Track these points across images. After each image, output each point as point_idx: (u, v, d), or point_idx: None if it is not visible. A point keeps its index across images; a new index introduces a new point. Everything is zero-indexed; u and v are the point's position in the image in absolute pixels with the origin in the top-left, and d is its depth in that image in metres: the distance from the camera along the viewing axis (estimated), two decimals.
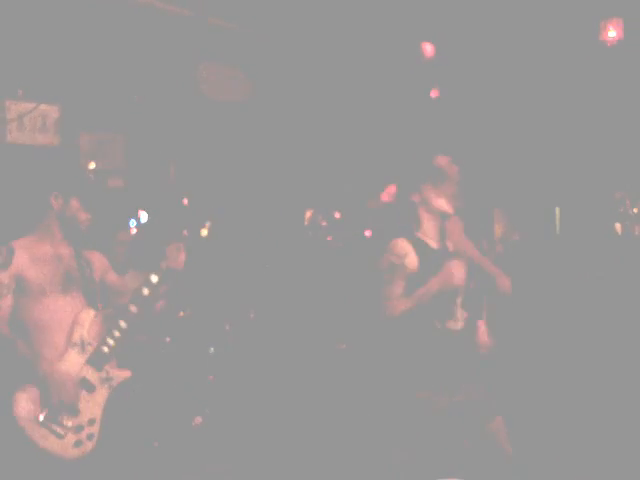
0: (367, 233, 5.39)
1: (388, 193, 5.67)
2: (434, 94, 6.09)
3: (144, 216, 4.78)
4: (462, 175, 3.22)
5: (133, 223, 4.81)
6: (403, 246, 3.18)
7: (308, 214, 5.62)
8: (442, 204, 3.24)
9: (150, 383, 4.30)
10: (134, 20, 4.68)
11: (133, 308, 2.93)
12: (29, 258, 2.83)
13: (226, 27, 5.20)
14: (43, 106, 4.45)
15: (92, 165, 3.09)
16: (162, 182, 5.17)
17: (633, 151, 5.22)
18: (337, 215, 5.27)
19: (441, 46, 5.85)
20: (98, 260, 3.11)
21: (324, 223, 5.21)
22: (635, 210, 4.29)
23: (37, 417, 2.69)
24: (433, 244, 3.29)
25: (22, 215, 3.47)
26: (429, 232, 3.30)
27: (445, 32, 5.74)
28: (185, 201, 3.22)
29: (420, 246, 3.23)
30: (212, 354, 4.84)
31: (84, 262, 3.00)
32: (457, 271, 3.09)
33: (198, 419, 4.61)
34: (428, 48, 5.78)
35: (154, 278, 2.95)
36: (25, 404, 2.70)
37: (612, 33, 5.31)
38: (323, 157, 5.83)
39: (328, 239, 5.26)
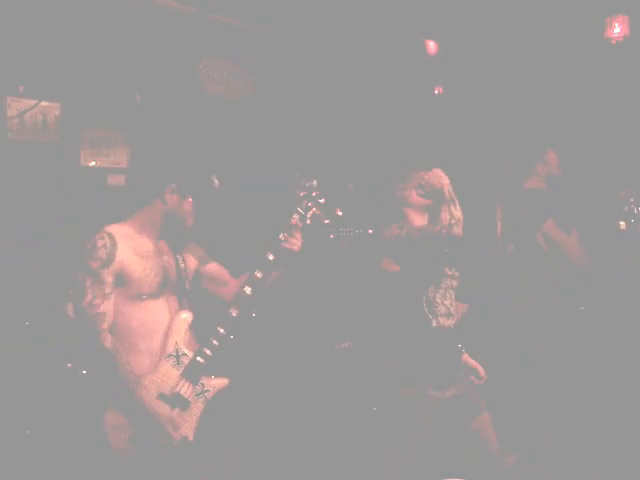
0: (369, 231, 5.36)
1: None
2: (438, 91, 6.06)
3: None
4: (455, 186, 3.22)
5: None
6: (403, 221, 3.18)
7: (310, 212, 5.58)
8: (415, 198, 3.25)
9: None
10: (135, 16, 4.66)
11: (234, 312, 2.67)
12: (133, 252, 2.53)
13: (228, 23, 5.17)
14: (44, 103, 4.43)
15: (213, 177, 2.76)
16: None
17: (638, 149, 5.19)
18: (339, 213, 5.23)
19: (444, 43, 5.82)
20: (194, 252, 2.84)
21: (326, 221, 5.17)
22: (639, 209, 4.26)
23: (131, 436, 2.45)
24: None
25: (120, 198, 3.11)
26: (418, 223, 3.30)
27: (449, 29, 5.71)
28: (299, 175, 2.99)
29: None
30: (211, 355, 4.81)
31: (182, 260, 2.74)
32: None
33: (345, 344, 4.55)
34: (431, 45, 5.75)
35: (259, 274, 2.71)
36: (117, 422, 2.44)
37: (617, 30, 5.28)
38: (326, 154, 5.80)
39: (330, 237, 5.23)
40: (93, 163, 4.65)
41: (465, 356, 3.36)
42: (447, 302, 3.19)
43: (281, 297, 5.16)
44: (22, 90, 4.37)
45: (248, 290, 2.69)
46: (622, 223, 4.40)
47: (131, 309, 2.54)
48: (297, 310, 5.16)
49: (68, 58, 4.44)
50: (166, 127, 4.96)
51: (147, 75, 4.83)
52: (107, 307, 2.44)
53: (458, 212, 3.10)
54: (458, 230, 3.09)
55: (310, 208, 2.78)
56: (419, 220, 3.30)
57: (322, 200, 2.87)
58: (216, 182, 2.79)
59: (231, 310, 2.67)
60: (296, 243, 2.80)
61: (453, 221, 3.07)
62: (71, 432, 2.85)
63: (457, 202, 3.11)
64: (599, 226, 4.62)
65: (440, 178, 3.16)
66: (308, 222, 2.79)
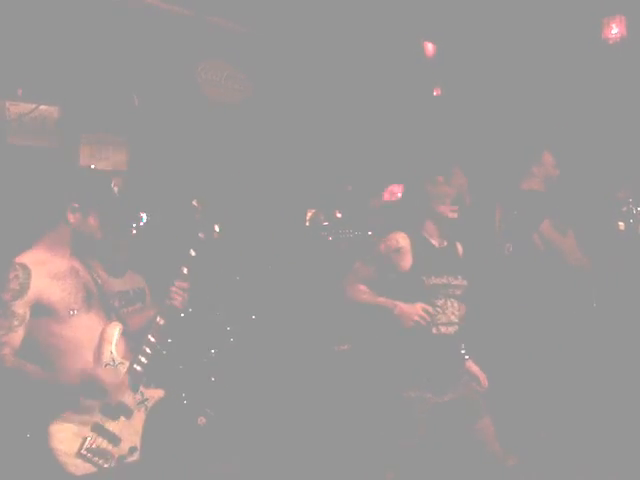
0: (369, 233, 5.37)
1: (390, 192, 5.66)
2: (436, 93, 6.07)
3: (144, 218, 4.76)
4: (465, 180, 3.21)
5: (134, 224, 4.79)
6: (400, 241, 3.16)
7: (309, 214, 5.60)
8: (443, 209, 3.23)
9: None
10: (134, 20, 4.68)
11: (161, 321, 2.70)
12: (48, 276, 2.51)
13: (226, 27, 5.19)
14: (43, 107, 4.44)
15: (115, 180, 2.74)
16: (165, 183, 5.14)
17: (636, 150, 5.19)
18: (338, 215, 5.25)
19: (443, 45, 5.83)
20: (100, 270, 2.86)
21: (325, 223, 5.18)
22: (639, 209, 4.26)
23: (78, 451, 2.44)
24: (435, 242, 3.28)
25: (23, 222, 3.23)
26: (432, 232, 3.29)
27: (447, 31, 5.72)
28: (195, 202, 2.95)
29: (421, 243, 3.22)
30: (213, 355, 4.82)
31: (96, 274, 2.75)
32: (410, 314, 3.06)
33: (202, 419, 4.59)
34: (429, 47, 5.76)
35: (174, 288, 2.74)
36: (63, 436, 2.43)
37: (615, 31, 5.28)
38: (324, 157, 5.81)
39: (329, 239, 5.24)
40: (92, 166, 4.66)
41: (469, 363, 3.35)
42: (448, 311, 3.16)
43: (280, 299, 5.18)
44: (21, 94, 4.38)
45: (168, 302, 2.74)
46: (621, 223, 4.40)
47: (65, 328, 2.55)
48: (300, 311, 5.16)
49: (67, 62, 4.45)
50: (164, 129, 4.98)
51: (146, 78, 4.84)
52: (12, 339, 2.46)
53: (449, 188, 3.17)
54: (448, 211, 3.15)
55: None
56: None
57: (216, 227, 2.92)
58: (115, 192, 2.80)
59: (158, 319, 2.71)
60: (183, 302, 2.78)
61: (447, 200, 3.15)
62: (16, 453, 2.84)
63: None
64: (598, 227, 4.62)
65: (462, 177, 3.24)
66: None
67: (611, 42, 5.32)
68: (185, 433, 4.32)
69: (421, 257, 3.16)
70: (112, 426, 2.55)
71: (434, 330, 3.11)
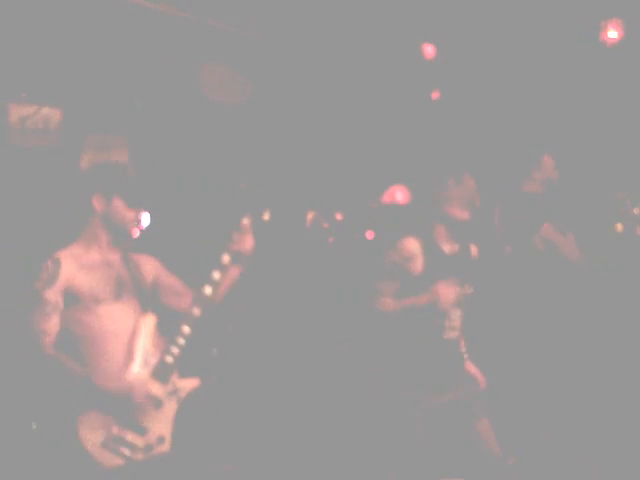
0: (369, 235, 5.39)
1: (391, 195, 5.68)
2: (435, 95, 6.09)
3: (147, 218, 4.76)
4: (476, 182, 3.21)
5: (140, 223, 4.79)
6: (411, 248, 3.15)
7: (310, 216, 5.62)
8: (455, 211, 3.23)
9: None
10: (135, 23, 4.69)
11: (196, 311, 2.72)
12: (77, 267, 2.63)
13: (227, 29, 5.20)
14: (45, 109, 4.45)
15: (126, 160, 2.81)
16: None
17: (634, 151, 5.22)
18: (339, 217, 5.27)
19: (442, 47, 5.86)
20: (148, 262, 2.91)
21: (326, 225, 5.20)
22: (636, 210, 4.28)
23: (104, 441, 2.50)
24: (446, 247, 3.28)
25: (62, 222, 3.32)
26: (442, 236, 3.28)
27: (445, 33, 5.74)
28: (242, 185, 3.02)
29: (431, 248, 3.22)
30: (214, 355, 4.83)
31: (133, 266, 2.80)
32: (444, 294, 3.06)
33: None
34: (429, 49, 5.78)
35: (216, 275, 2.77)
36: (90, 428, 2.49)
37: (612, 33, 5.31)
38: (324, 159, 5.83)
39: (330, 241, 5.26)
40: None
41: (468, 363, 3.37)
42: (454, 316, 3.21)
43: (280, 299, 5.20)
44: (23, 96, 4.39)
45: (207, 290, 2.76)
46: (619, 225, 4.43)
47: (91, 318, 2.62)
48: (300, 312, 5.18)
49: (69, 64, 4.46)
50: (166, 131, 4.99)
51: (147, 80, 4.85)
52: (48, 325, 2.56)
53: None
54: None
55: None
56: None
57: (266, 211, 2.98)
58: (129, 171, 2.89)
59: (194, 309, 2.73)
60: (247, 244, 2.88)
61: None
62: (45, 436, 2.90)
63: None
64: (596, 228, 4.65)
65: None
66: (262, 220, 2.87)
67: (609, 45, 5.35)
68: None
69: (431, 263, 3.16)
70: (139, 417, 2.59)
71: (444, 335, 3.15)
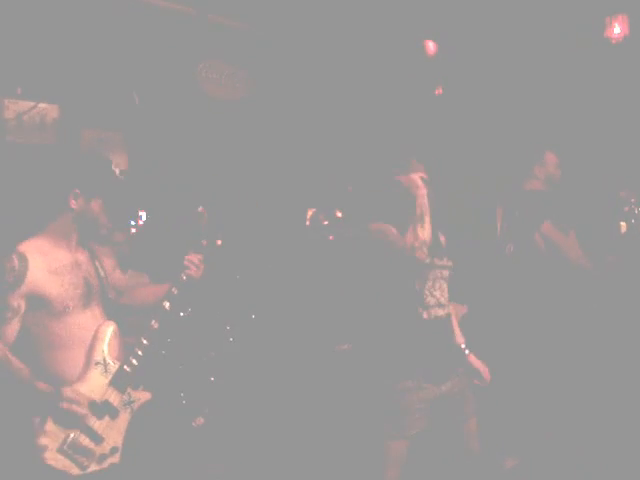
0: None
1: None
2: (438, 92, 6.06)
3: (144, 216, 4.74)
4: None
5: (133, 223, 4.77)
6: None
7: (309, 213, 5.59)
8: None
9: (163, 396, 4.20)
10: (134, 18, 4.67)
11: (155, 324, 2.68)
12: (47, 270, 2.49)
13: (227, 25, 5.18)
14: (42, 105, 4.43)
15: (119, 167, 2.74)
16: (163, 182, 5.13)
17: (638, 149, 5.18)
18: (338, 214, 5.24)
19: (444, 44, 5.82)
20: (107, 259, 2.85)
21: (326, 222, 5.17)
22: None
23: (60, 447, 2.43)
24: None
25: (27, 212, 3.20)
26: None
27: (448, 29, 5.70)
28: (201, 209, 2.94)
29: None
30: (212, 355, 4.81)
31: (100, 266, 2.72)
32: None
33: (199, 420, 4.58)
34: (431, 46, 5.74)
35: (175, 290, 2.73)
36: (46, 434, 2.42)
37: (617, 30, 5.26)
38: (325, 155, 5.80)
39: (330, 238, 5.22)
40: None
41: (471, 357, 3.30)
42: (437, 293, 3.09)
43: (280, 299, 5.17)
44: (20, 92, 4.38)
45: (167, 305, 2.73)
46: (623, 224, 4.38)
47: (58, 325, 2.53)
48: (300, 310, 5.15)
49: (66, 60, 4.44)
50: (164, 128, 4.97)
51: (146, 76, 4.83)
52: (3, 331, 2.45)
53: (424, 233, 2.93)
54: (421, 254, 2.94)
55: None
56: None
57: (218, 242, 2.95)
58: (117, 175, 2.79)
59: (152, 322, 2.69)
60: (198, 272, 2.80)
61: (417, 244, 2.97)
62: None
63: (427, 220, 2.96)
64: (600, 226, 4.61)
65: (416, 186, 3.08)
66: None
67: (614, 41, 5.30)
68: (175, 435, 4.31)
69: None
70: (96, 424, 2.54)
71: (425, 315, 3.05)
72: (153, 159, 5.08)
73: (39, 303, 2.49)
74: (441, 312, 3.11)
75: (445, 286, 3.16)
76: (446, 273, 3.17)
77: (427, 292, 3.07)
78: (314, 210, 5.56)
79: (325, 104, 5.76)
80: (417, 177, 3.08)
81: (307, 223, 5.53)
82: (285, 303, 5.20)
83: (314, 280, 5.22)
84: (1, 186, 4.28)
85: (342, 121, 5.83)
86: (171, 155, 5.16)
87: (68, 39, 4.42)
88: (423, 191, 3.00)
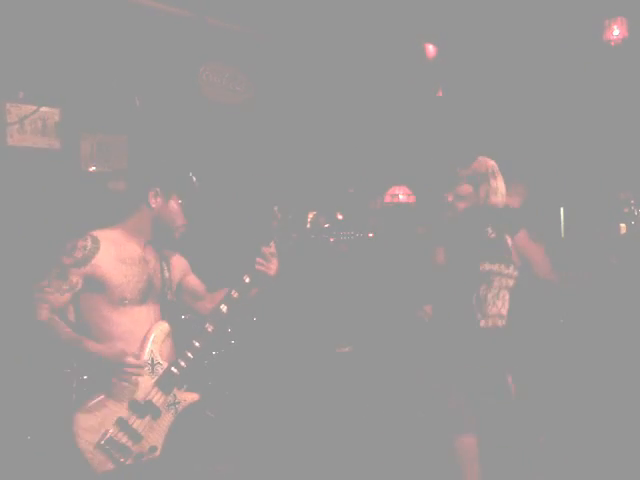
0: (370, 234, 5.37)
1: (391, 195, 5.65)
2: (439, 95, 6.07)
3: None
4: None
5: None
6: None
7: (310, 216, 5.59)
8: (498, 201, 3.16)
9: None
10: (135, 22, 4.68)
11: (210, 327, 2.67)
12: (115, 257, 2.55)
13: (228, 28, 5.19)
14: (44, 109, 4.44)
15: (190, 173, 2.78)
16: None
17: (638, 151, 5.19)
18: (339, 217, 5.24)
19: (444, 47, 5.83)
20: (178, 262, 2.84)
21: (326, 225, 5.17)
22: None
23: (99, 442, 2.45)
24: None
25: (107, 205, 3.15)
26: None
27: (448, 32, 5.72)
28: (276, 208, 2.97)
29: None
30: (215, 356, 4.82)
31: (167, 268, 2.74)
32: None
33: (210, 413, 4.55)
34: (431, 49, 5.76)
35: (235, 293, 2.71)
36: (87, 424, 2.44)
37: (616, 32, 5.28)
38: (326, 158, 5.81)
39: (330, 241, 5.23)
40: (93, 168, 4.66)
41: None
42: (499, 302, 3.05)
43: (281, 300, 5.18)
44: (22, 96, 4.39)
45: (224, 308, 2.71)
46: (622, 225, 4.39)
47: (113, 314, 2.56)
48: (301, 312, 5.16)
49: (68, 64, 4.45)
50: (166, 131, 4.98)
51: (147, 80, 4.84)
52: (56, 299, 2.50)
53: (497, 182, 3.05)
54: (495, 199, 3.03)
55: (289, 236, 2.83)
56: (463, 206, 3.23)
57: (294, 235, 2.95)
58: (194, 179, 2.79)
59: (207, 325, 2.68)
60: (271, 267, 2.80)
61: (491, 190, 3.03)
62: (40, 432, 2.87)
63: (499, 175, 3.09)
64: (600, 229, 4.61)
65: (486, 162, 3.14)
66: (289, 244, 2.85)
67: (613, 44, 5.32)
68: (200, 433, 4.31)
69: (475, 242, 3.09)
70: (136, 423, 2.55)
71: (482, 323, 3.00)
72: (154, 162, 5.09)
73: (99, 287, 2.53)
74: (500, 322, 3.06)
75: (507, 297, 3.12)
76: (511, 283, 3.14)
77: (490, 300, 3.03)
78: (315, 213, 5.56)
79: (326, 107, 5.77)
80: (483, 157, 3.21)
81: (308, 226, 5.53)
82: (286, 305, 5.21)
83: (316, 282, 5.23)
84: (3, 189, 4.29)
85: (343, 124, 5.84)
86: (171, 158, 5.17)
87: (69, 43, 4.44)
88: (492, 162, 3.20)
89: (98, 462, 2.46)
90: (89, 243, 2.52)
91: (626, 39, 5.26)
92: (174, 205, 2.65)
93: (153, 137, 4.91)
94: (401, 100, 6.02)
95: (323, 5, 5.19)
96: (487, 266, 3.08)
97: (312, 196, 5.74)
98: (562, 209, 5.53)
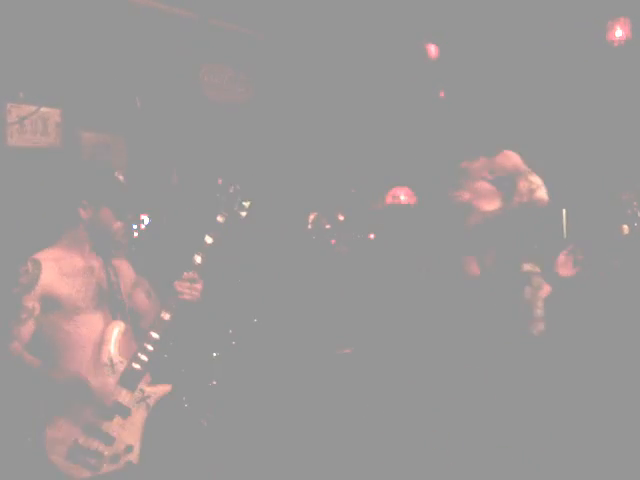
0: (371, 236, 5.36)
1: (392, 195, 5.64)
2: (441, 95, 6.06)
3: (146, 220, 4.74)
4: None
5: (135, 227, 4.76)
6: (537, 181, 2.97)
7: (312, 217, 5.59)
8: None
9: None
10: (136, 22, 4.68)
11: (166, 316, 2.66)
12: (59, 273, 2.58)
13: (228, 29, 5.19)
14: (44, 109, 4.43)
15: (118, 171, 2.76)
16: (165, 185, 5.13)
17: None
18: (341, 218, 5.24)
19: (445, 47, 5.82)
20: (126, 270, 2.87)
21: (328, 226, 5.17)
22: None
23: (70, 452, 2.45)
24: None
25: (42, 224, 3.28)
26: None
27: (450, 33, 5.71)
28: (220, 181, 2.91)
29: None
30: (215, 358, 4.81)
31: (112, 272, 2.76)
32: None
33: (202, 422, 4.56)
34: (432, 49, 5.75)
35: (169, 311, 2.68)
36: (55, 439, 2.45)
37: (619, 33, 5.27)
38: (326, 159, 5.80)
39: (332, 242, 5.22)
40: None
41: None
42: (540, 304, 2.95)
43: (282, 301, 5.17)
44: (22, 96, 4.38)
45: (166, 316, 2.67)
46: (625, 226, 4.37)
47: (72, 323, 2.59)
48: (303, 313, 5.15)
49: (68, 64, 4.45)
50: (166, 132, 4.97)
51: (147, 80, 4.84)
52: (20, 331, 2.54)
53: (536, 178, 2.95)
54: (541, 194, 2.92)
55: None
56: (489, 205, 3.11)
57: (245, 203, 2.81)
58: (121, 178, 2.80)
59: (162, 315, 2.67)
60: (194, 294, 2.72)
61: (533, 186, 2.92)
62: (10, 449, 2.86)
63: (533, 172, 2.99)
64: (603, 229, 4.60)
65: (511, 158, 3.03)
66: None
67: (616, 44, 5.30)
68: (185, 435, 4.30)
69: (519, 243, 3.00)
70: (105, 426, 2.54)
71: (534, 329, 2.89)
72: (154, 162, 5.09)
73: (53, 305, 2.56)
74: (542, 327, 2.94)
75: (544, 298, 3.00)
76: (541, 281, 3.05)
77: (538, 303, 2.90)
78: (316, 214, 5.56)
79: (327, 107, 5.77)
80: (508, 151, 3.14)
81: (309, 227, 5.53)
82: (288, 306, 5.20)
83: (317, 283, 5.22)
84: (3, 189, 4.29)
85: (344, 124, 5.84)
86: (172, 159, 5.17)
87: (70, 43, 4.43)
88: (518, 158, 3.17)
89: (74, 471, 2.46)
90: (30, 267, 2.56)
91: (629, 40, 5.25)
92: (106, 212, 2.67)
93: (153, 137, 4.91)
94: (403, 101, 6.01)
95: (324, 6, 5.19)
96: (527, 267, 2.97)
97: (313, 197, 5.74)
98: (564, 210, 5.51)
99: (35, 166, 4.40)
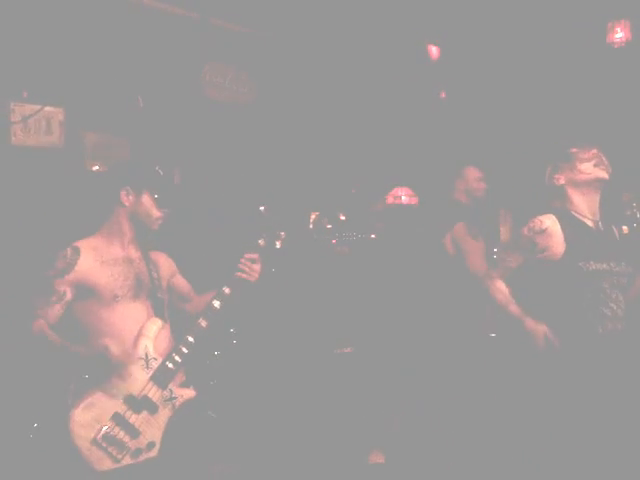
0: (372, 236, 5.37)
1: (393, 196, 5.65)
2: (442, 96, 6.08)
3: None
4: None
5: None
6: (543, 220, 2.84)
7: (313, 217, 5.60)
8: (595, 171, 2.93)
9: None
10: (139, 22, 4.69)
11: (203, 323, 2.71)
12: (98, 261, 2.62)
13: (230, 29, 5.20)
14: (48, 108, 4.45)
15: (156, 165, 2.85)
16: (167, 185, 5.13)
17: None
18: (342, 217, 5.25)
19: (447, 48, 5.84)
20: (165, 262, 2.91)
21: (329, 226, 5.18)
22: None
23: (95, 438, 2.46)
24: (589, 222, 2.97)
25: (84, 213, 3.31)
26: (582, 208, 2.97)
27: (451, 34, 5.73)
28: (263, 209, 3.00)
29: (572, 223, 2.91)
30: (216, 357, 4.81)
31: (152, 265, 2.80)
32: (537, 331, 2.79)
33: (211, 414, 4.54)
34: (434, 50, 5.77)
35: (227, 290, 2.76)
36: (82, 420, 2.46)
37: (619, 34, 5.29)
38: (328, 159, 5.81)
39: (333, 242, 5.23)
40: (97, 167, 4.67)
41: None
42: (614, 304, 2.83)
43: (283, 302, 5.18)
44: (26, 95, 4.40)
45: (217, 304, 2.75)
46: (625, 227, 4.38)
47: (107, 313, 2.62)
48: (303, 313, 5.16)
49: (72, 64, 4.46)
50: (169, 131, 4.99)
51: (150, 80, 4.85)
52: (46, 312, 2.58)
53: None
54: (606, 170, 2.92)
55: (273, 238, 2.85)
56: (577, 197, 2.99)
57: (282, 233, 2.92)
58: (161, 173, 2.85)
59: (200, 320, 2.72)
60: (253, 275, 2.84)
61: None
62: (37, 430, 2.89)
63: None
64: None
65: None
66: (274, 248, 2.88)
67: (616, 46, 5.32)
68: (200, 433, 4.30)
69: (575, 240, 2.86)
70: (133, 418, 2.56)
71: (600, 329, 2.79)
72: (156, 162, 5.10)
73: (89, 292, 2.60)
74: (618, 326, 2.85)
75: (622, 297, 2.90)
76: (625, 281, 2.94)
77: (603, 302, 2.82)
78: (317, 214, 5.56)
79: (329, 107, 5.78)
80: None
81: (310, 226, 5.54)
82: (288, 306, 5.21)
83: (318, 283, 5.23)
84: (6, 188, 4.30)
85: (346, 124, 5.85)
86: (174, 158, 5.18)
87: (73, 43, 4.45)
88: None
89: (96, 459, 2.46)
90: (69, 252, 2.62)
91: (629, 41, 5.26)
92: (147, 199, 2.71)
93: (156, 137, 4.93)
94: (404, 101, 6.03)
95: (327, 6, 5.20)
96: (592, 265, 2.85)
97: (314, 197, 5.75)
98: None
99: (38, 165, 4.42)
